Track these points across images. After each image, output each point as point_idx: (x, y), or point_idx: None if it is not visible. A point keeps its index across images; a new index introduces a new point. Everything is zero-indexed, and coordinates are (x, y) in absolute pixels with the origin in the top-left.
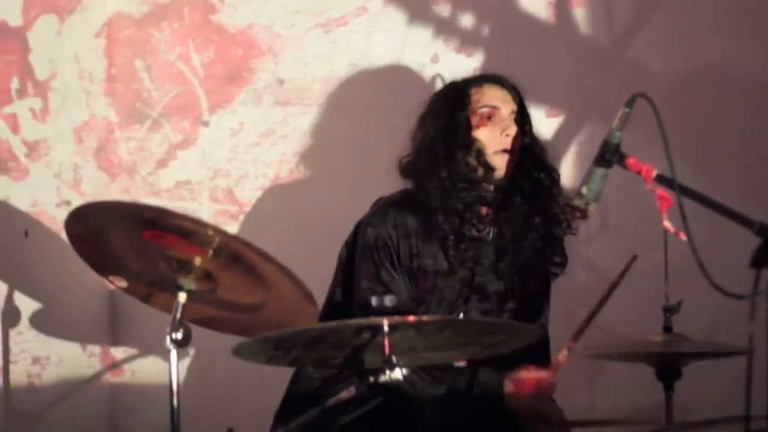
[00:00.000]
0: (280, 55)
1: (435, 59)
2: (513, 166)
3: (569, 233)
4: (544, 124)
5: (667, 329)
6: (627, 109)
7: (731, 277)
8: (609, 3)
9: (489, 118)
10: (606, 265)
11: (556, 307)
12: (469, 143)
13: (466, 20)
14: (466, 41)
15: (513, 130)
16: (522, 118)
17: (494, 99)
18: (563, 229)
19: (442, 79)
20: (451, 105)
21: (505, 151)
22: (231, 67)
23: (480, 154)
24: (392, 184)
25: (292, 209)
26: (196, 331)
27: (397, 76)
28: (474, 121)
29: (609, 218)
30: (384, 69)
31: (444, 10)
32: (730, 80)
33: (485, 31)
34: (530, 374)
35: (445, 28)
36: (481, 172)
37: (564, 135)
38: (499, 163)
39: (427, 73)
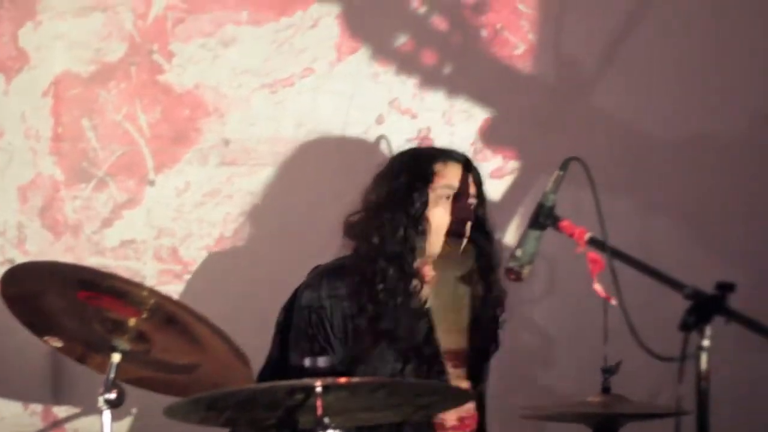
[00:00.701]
0: (227, 116)
1: (380, 120)
2: (458, 249)
3: (501, 315)
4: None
5: (606, 390)
6: (561, 172)
7: (669, 340)
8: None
9: (448, 198)
10: (550, 326)
11: (499, 366)
12: (420, 221)
13: (412, 89)
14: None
15: (469, 215)
16: (479, 204)
17: (457, 180)
18: (500, 311)
19: (387, 141)
20: (412, 174)
21: (455, 234)
22: (177, 127)
23: (423, 234)
24: (336, 246)
25: (236, 269)
26: (138, 390)
27: (342, 137)
28: (432, 197)
29: (555, 279)
30: (329, 130)
31: (389, 74)
32: (676, 139)
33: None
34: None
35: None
36: (422, 249)
37: (512, 197)
38: (447, 245)
39: (372, 134)
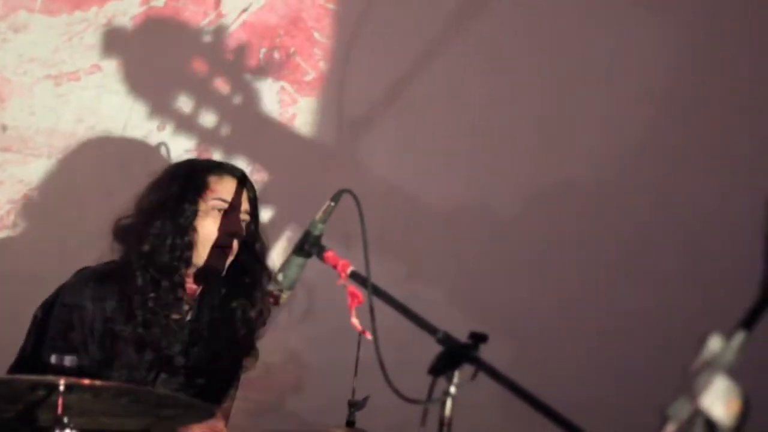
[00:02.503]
0: (7, 101)
1: (162, 127)
2: (224, 263)
3: (263, 326)
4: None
5: (350, 423)
6: (332, 203)
7: (421, 383)
8: (340, 100)
9: (219, 211)
10: (303, 353)
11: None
12: (185, 231)
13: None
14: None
15: (238, 230)
16: (251, 219)
17: (229, 194)
18: (262, 321)
19: (167, 148)
20: (185, 186)
21: (222, 247)
22: None
23: (189, 246)
24: (102, 247)
25: None
26: None
27: (121, 138)
28: (203, 209)
29: (314, 308)
30: (110, 129)
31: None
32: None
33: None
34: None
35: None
36: (188, 260)
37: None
38: (213, 258)
39: (153, 140)
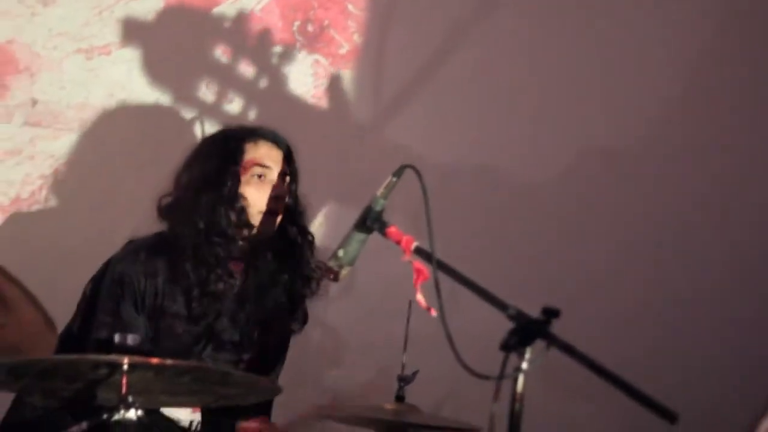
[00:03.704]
0: (37, 75)
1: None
2: (273, 227)
3: (315, 295)
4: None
5: (400, 398)
6: (394, 179)
7: (469, 355)
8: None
9: (260, 176)
10: (342, 328)
11: (287, 362)
12: (234, 199)
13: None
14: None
15: (282, 193)
16: (291, 180)
17: (267, 158)
18: (310, 290)
19: (201, 122)
20: (223, 155)
21: (269, 212)
22: None
23: (243, 211)
24: (136, 218)
25: (31, 233)
26: None
27: (154, 112)
28: (244, 177)
29: (353, 282)
30: (142, 103)
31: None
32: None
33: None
34: (252, 426)
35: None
36: (239, 228)
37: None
38: (261, 223)
39: (186, 114)
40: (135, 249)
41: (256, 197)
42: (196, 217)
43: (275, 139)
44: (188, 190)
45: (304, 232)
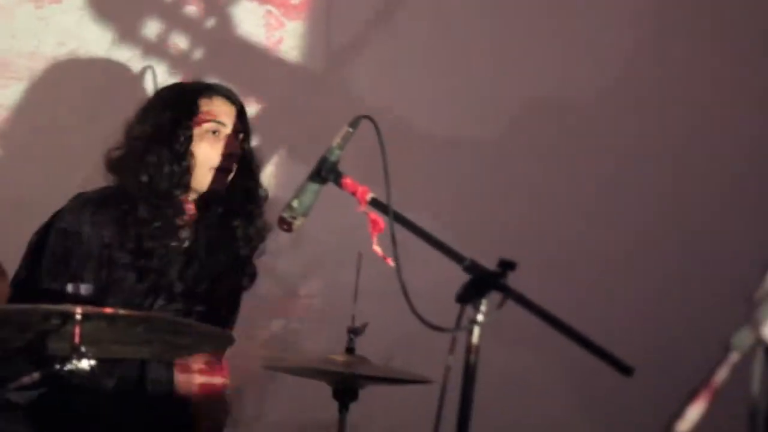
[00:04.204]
0: None
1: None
2: (224, 184)
3: (263, 254)
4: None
5: (350, 350)
6: (350, 129)
7: (422, 308)
8: (327, 20)
9: (214, 132)
10: (291, 278)
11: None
12: (182, 157)
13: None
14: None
15: (235, 150)
16: (245, 136)
17: (222, 115)
18: (258, 250)
19: (153, 72)
20: (176, 111)
21: (221, 169)
22: None
23: (186, 171)
24: (87, 169)
25: None
26: None
27: (104, 62)
28: (197, 132)
29: (302, 233)
30: (92, 53)
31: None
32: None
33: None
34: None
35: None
36: (187, 185)
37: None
38: (213, 180)
39: (137, 64)
40: (82, 202)
41: (208, 153)
42: (144, 172)
43: (230, 96)
44: (138, 144)
45: (257, 188)
